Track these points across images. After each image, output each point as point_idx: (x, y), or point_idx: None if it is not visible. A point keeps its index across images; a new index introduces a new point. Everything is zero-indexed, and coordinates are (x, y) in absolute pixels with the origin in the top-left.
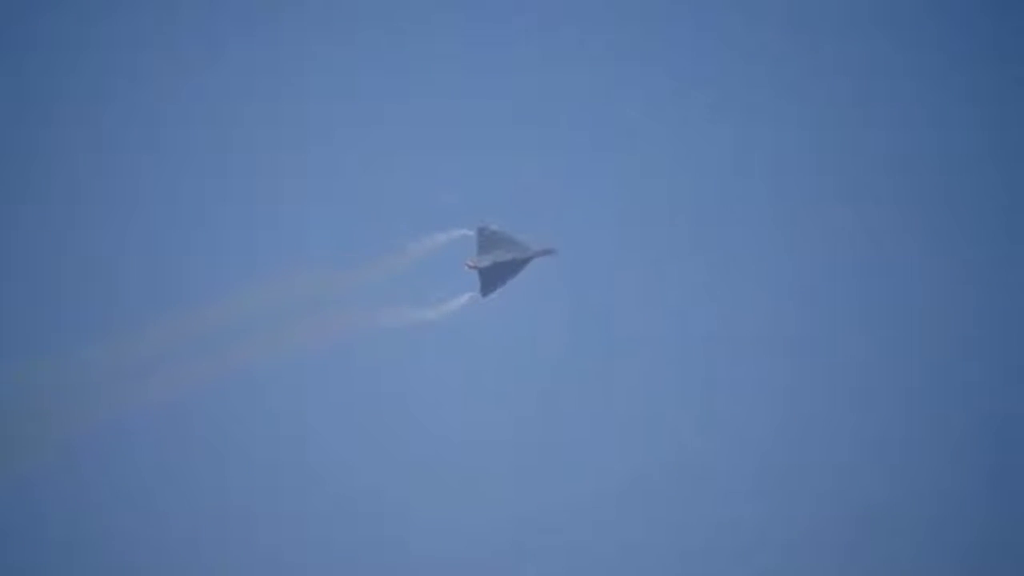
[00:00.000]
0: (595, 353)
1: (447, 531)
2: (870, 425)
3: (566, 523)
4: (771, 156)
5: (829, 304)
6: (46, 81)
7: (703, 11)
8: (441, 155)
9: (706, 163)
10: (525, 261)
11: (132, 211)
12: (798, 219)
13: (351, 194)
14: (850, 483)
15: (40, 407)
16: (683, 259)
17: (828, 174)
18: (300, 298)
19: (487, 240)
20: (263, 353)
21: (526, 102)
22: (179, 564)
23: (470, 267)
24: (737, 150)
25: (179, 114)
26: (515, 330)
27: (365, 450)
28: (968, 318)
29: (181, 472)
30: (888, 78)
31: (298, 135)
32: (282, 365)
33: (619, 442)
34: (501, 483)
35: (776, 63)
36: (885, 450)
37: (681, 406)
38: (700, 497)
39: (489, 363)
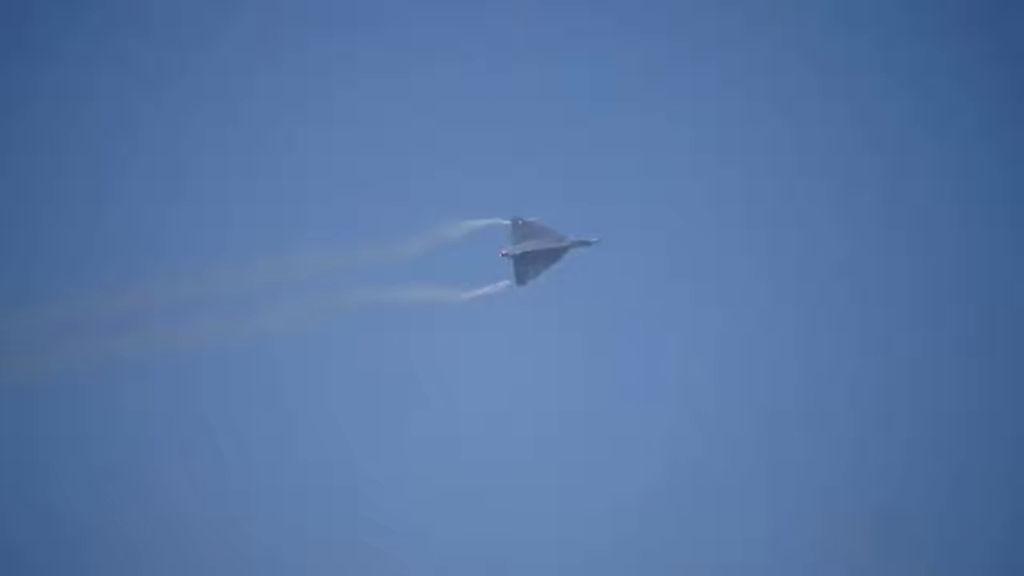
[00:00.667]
0: (625, 348)
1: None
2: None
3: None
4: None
5: (874, 299)
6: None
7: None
8: (475, 147)
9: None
10: (562, 251)
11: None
12: (821, 215)
13: (385, 179)
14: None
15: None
16: (716, 257)
17: (864, 170)
18: (329, 273)
19: (521, 231)
20: (286, 323)
21: (569, 96)
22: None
23: (504, 255)
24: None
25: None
26: (548, 319)
27: (389, 425)
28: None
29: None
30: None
31: (341, 120)
32: (310, 336)
33: (643, 442)
34: (516, 471)
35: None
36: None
37: (709, 404)
38: (728, 496)
39: (519, 348)
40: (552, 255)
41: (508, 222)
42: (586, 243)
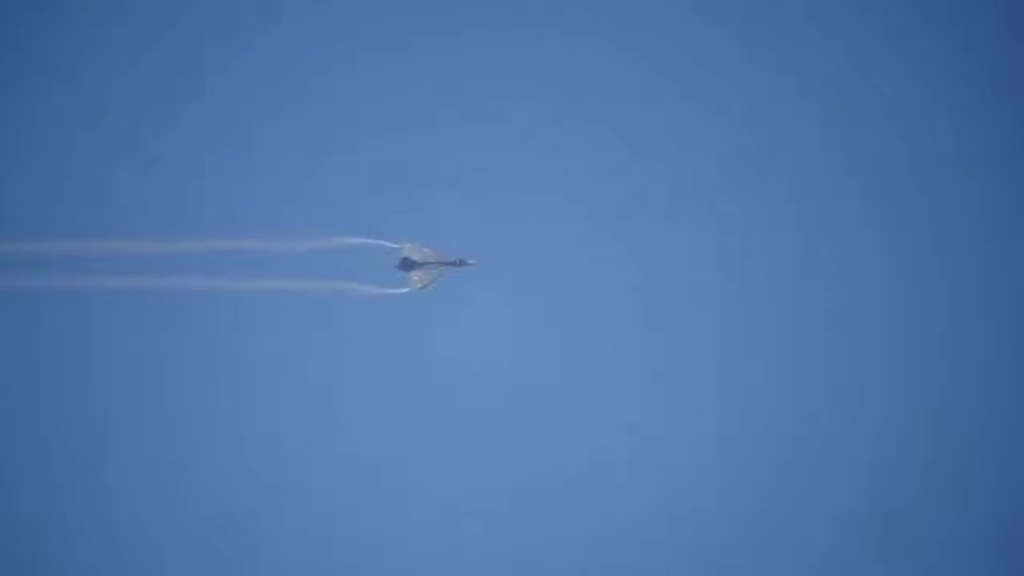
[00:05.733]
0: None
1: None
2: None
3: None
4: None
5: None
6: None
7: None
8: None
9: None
10: (445, 267)
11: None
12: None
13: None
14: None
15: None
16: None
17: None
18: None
19: (409, 251)
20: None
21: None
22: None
23: (398, 268)
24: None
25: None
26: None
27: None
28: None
29: None
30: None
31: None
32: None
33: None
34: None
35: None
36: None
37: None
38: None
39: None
40: (436, 269)
41: (398, 245)
42: (464, 263)
